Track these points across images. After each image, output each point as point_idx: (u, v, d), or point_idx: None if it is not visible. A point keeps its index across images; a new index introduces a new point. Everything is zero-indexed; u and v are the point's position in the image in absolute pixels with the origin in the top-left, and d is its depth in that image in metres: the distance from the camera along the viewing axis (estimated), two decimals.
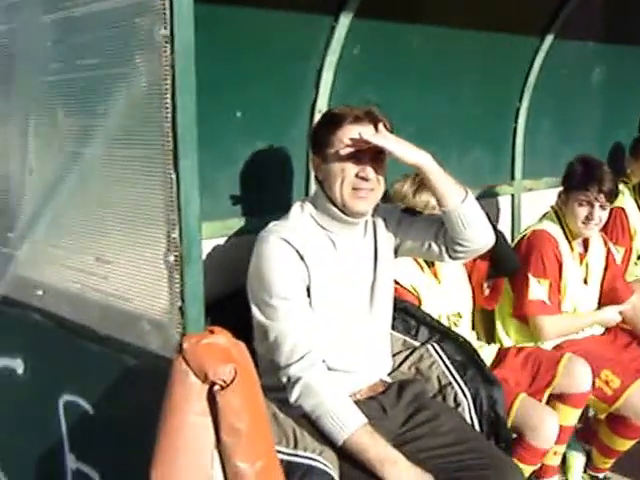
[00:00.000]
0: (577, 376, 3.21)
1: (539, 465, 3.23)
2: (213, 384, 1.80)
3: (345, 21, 3.29)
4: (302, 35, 3.25)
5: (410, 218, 2.74)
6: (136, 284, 2.07)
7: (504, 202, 4.52)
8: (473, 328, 3.52)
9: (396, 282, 2.94)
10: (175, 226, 1.85)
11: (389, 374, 2.79)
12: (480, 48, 4.07)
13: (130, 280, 2.09)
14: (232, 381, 1.78)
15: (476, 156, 4.28)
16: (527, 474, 3.10)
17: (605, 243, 3.80)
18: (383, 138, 2.46)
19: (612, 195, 3.56)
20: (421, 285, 3.24)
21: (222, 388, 1.79)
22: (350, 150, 2.45)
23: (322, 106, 3.36)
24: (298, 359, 2.37)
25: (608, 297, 3.76)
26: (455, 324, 3.28)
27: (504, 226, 4.51)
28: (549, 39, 4.39)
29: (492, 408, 2.80)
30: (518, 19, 4.11)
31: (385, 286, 2.69)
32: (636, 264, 4.22)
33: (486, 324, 3.73)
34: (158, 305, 1.98)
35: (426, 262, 3.27)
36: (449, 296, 3.32)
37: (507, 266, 3.40)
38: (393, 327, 2.91)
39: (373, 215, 2.68)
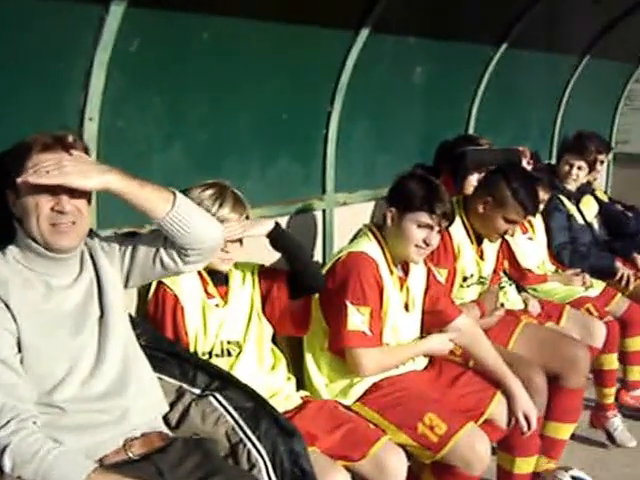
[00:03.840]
0: (388, 472, 3.06)
1: None
2: None
3: (117, 11, 3.01)
4: (66, 28, 2.96)
5: (132, 240, 2.64)
6: None
7: (315, 218, 4.38)
8: (289, 369, 3.38)
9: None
10: None
11: (174, 428, 2.65)
12: (284, 44, 3.92)
13: None
14: None
15: (282, 167, 4.12)
16: None
17: (425, 263, 3.69)
18: (57, 175, 2.29)
19: (453, 218, 3.54)
20: (207, 306, 3.13)
21: None
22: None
23: (92, 112, 3.10)
24: (4, 424, 2.21)
25: (432, 320, 3.65)
26: (229, 353, 3.15)
27: (316, 245, 4.38)
28: (364, 34, 4.26)
29: (295, 463, 2.63)
30: (328, 12, 3.99)
31: (117, 319, 2.55)
32: (462, 286, 4.12)
33: (295, 359, 3.55)
34: None
35: (212, 279, 3.16)
36: (234, 321, 3.18)
37: (310, 283, 3.27)
38: (168, 372, 2.78)
39: (90, 245, 2.57)
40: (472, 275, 4.15)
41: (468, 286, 4.15)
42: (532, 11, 5.30)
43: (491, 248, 4.25)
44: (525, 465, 3.76)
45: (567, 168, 5.39)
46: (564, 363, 3.97)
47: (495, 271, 4.31)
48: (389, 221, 3.48)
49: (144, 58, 3.25)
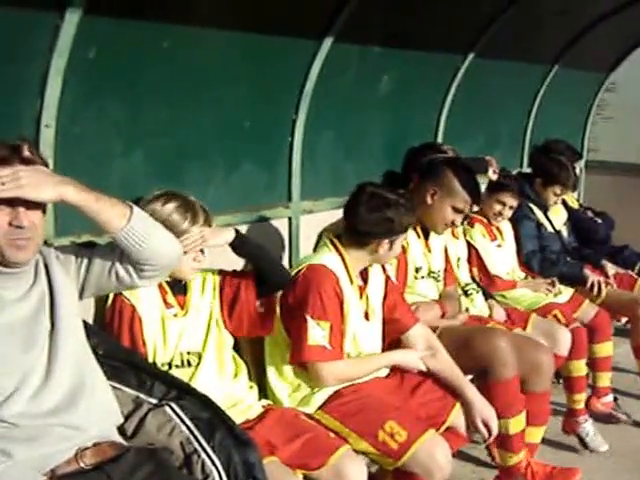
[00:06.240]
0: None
1: None
2: None
3: (73, 18, 2.99)
4: (20, 34, 2.93)
5: (89, 250, 2.62)
6: None
7: (280, 226, 4.34)
8: (250, 378, 3.37)
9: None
10: None
11: (130, 438, 2.60)
12: (247, 52, 3.89)
13: None
14: None
15: (247, 175, 4.08)
16: None
17: (384, 270, 3.68)
18: (13, 188, 2.26)
19: None
20: (165, 316, 3.11)
21: None
22: None
23: (49, 120, 3.07)
24: None
25: (391, 328, 3.63)
26: (189, 363, 3.13)
27: (281, 253, 4.35)
28: (328, 43, 4.23)
29: (249, 474, 2.59)
30: (292, 20, 3.97)
31: (69, 332, 2.52)
32: (415, 278, 4.13)
33: (257, 367, 3.53)
34: None
35: (171, 288, 3.13)
36: (193, 331, 3.16)
37: (277, 280, 3.28)
38: (126, 382, 2.74)
39: (45, 254, 2.55)
40: (422, 267, 4.16)
41: (422, 277, 4.16)
42: (500, 20, 5.28)
43: (437, 243, 4.27)
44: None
45: (555, 198, 5.45)
46: (528, 367, 3.94)
47: (447, 270, 4.31)
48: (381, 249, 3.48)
49: (102, 65, 3.22)
